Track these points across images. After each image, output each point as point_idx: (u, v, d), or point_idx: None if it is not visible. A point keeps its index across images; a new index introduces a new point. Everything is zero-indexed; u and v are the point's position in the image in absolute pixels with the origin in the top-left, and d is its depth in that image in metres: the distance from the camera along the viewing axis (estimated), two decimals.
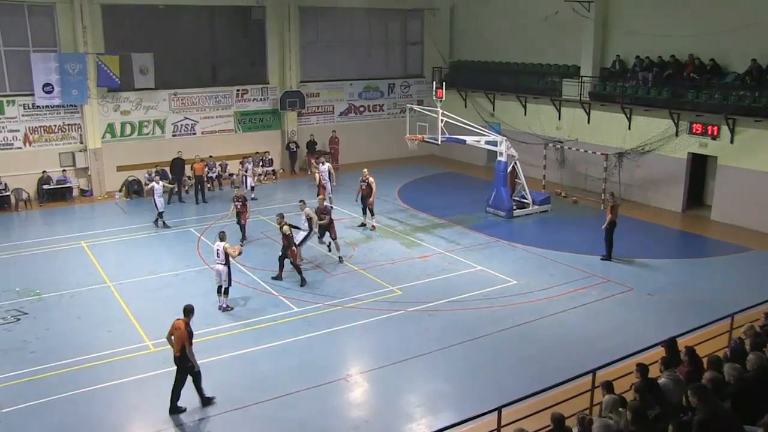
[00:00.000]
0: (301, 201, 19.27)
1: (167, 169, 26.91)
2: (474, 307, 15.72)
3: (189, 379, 11.64)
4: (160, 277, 17.71)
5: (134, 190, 27.10)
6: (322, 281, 17.35)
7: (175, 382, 11.59)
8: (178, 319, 11.58)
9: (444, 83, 23.18)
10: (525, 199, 24.03)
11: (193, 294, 16.46)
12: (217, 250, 15.31)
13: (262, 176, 29.31)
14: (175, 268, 18.41)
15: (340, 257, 18.71)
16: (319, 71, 32.62)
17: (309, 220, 18.41)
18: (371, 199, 21.60)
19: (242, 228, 20.66)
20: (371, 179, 21.72)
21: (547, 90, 28.44)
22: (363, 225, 21.89)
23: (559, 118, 28.36)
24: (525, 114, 30.03)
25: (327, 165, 23.58)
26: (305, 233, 18.42)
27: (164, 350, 13.57)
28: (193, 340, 11.65)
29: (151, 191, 22.18)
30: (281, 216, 17.15)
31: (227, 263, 15.28)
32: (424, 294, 16.42)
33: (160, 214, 22.22)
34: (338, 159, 32.18)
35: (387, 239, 20.98)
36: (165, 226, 22.20)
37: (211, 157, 28.28)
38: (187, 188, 27.28)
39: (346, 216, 23.47)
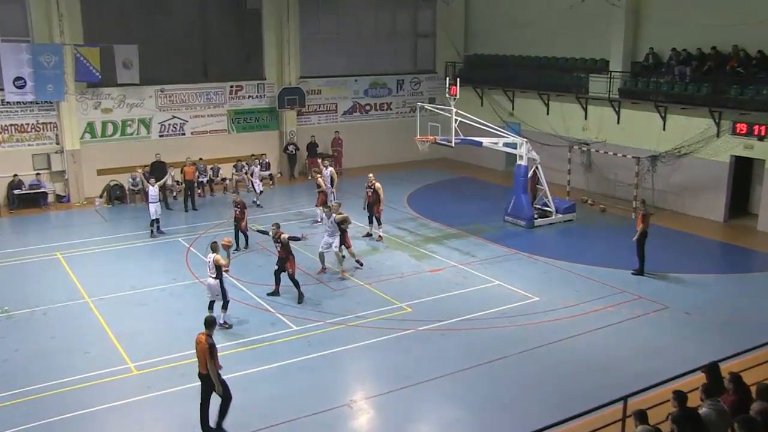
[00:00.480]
0: (334, 203, 19.57)
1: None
2: (491, 326, 15.66)
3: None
4: (145, 292, 17.69)
5: (116, 195, 27.17)
6: (324, 297, 17.31)
7: (201, 401, 11.61)
8: (200, 333, 11.58)
9: (458, 79, 23.23)
10: (547, 207, 23.97)
11: (182, 311, 16.44)
12: (209, 262, 15.29)
13: (250, 184, 29.37)
14: (162, 282, 18.39)
15: (357, 261, 19.08)
16: (321, 66, 32.70)
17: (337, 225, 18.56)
18: (379, 207, 21.56)
19: (244, 235, 20.94)
20: (378, 185, 21.71)
21: (572, 87, 28.42)
22: (369, 235, 21.85)
23: (586, 118, 28.33)
24: (548, 113, 29.98)
25: (330, 169, 23.59)
26: (331, 241, 18.46)
27: (149, 373, 13.53)
28: (192, 360, 11.61)
29: (145, 196, 22.21)
30: (277, 225, 17.12)
31: (219, 277, 15.25)
32: (435, 311, 16.38)
33: (154, 222, 22.22)
34: (342, 162, 32.22)
35: (395, 251, 20.94)
36: (160, 232, 22.32)
37: (201, 159, 28.36)
38: (175, 194, 27.33)
39: (357, 226, 23.37)
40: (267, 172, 29.76)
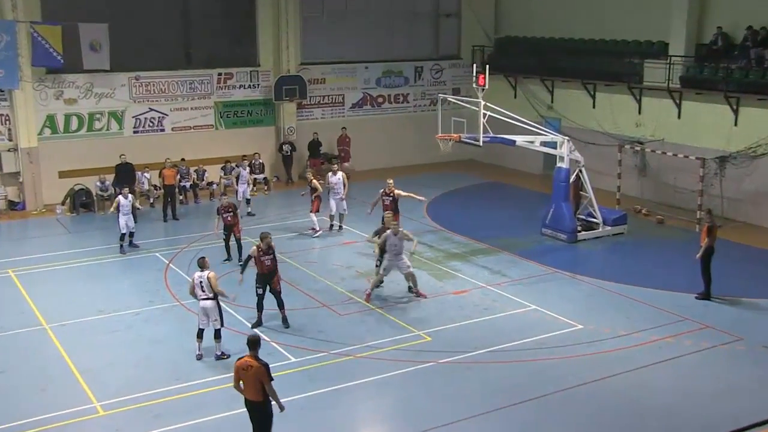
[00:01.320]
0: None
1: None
2: (525, 359, 15.54)
3: None
4: (115, 317, 17.68)
5: (82, 202, 27.26)
6: (328, 323, 17.26)
7: None
8: (243, 357, 11.53)
9: (487, 67, 23.16)
10: (593, 217, 23.87)
11: (160, 339, 16.43)
12: (200, 282, 15.25)
13: (252, 187, 29.38)
14: (135, 304, 18.40)
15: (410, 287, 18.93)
16: (326, 51, 32.81)
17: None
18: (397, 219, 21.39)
19: (238, 243, 21.03)
20: (400, 192, 21.59)
21: (623, 75, 28.35)
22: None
23: (640, 112, 28.22)
24: (593, 106, 29.89)
25: (340, 174, 23.53)
26: (398, 263, 18.34)
27: (118, 414, 13.46)
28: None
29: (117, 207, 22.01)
30: (268, 235, 17.08)
31: (215, 297, 15.25)
32: (460, 341, 16.29)
33: (124, 237, 22.21)
34: (349, 164, 32.22)
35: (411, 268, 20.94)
36: (133, 246, 22.37)
37: (183, 160, 28.42)
38: (152, 200, 27.38)
39: (359, 237, 23.38)
40: (261, 176, 29.80)
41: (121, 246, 22.28)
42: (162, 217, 25.79)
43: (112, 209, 22.38)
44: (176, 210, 26.20)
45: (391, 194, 21.55)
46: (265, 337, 16.38)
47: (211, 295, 15.21)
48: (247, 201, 26.22)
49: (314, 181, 23.75)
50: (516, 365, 15.31)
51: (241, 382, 11.57)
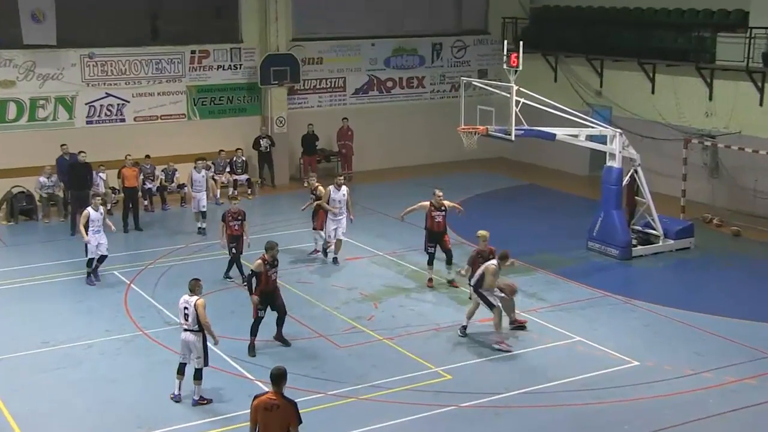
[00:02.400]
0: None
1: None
2: (567, 402, 15.49)
3: None
4: (62, 351, 17.61)
5: (21, 208, 27.30)
6: (325, 356, 17.24)
7: None
8: (264, 395, 11.29)
9: (521, 43, 23.07)
10: (651, 228, 23.82)
11: (118, 378, 16.38)
12: (185, 308, 15.21)
13: (232, 190, 29.43)
14: (88, 335, 18.35)
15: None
16: (323, 24, 32.96)
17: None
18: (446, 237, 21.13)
19: (237, 261, 21.10)
20: (450, 204, 21.32)
21: (690, 52, 28.36)
22: (432, 282, 21.32)
23: (711, 98, 28.20)
24: (653, 92, 29.87)
25: (344, 190, 22.72)
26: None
27: None
28: None
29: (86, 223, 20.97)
30: (274, 246, 17.27)
31: (201, 329, 15.18)
32: (486, 380, 16.27)
33: (92, 263, 21.26)
34: (351, 163, 32.25)
35: (427, 291, 20.94)
36: (95, 278, 21.38)
37: (148, 158, 28.47)
38: (110, 206, 27.41)
39: (364, 252, 23.30)
40: (243, 177, 29.79)
41: (89, 275, 21.33)
42: (122, 227, 25.77)
43: (80, 226, 21.09)
44: (138, 218, 26.20)
45: (443, 208, 21.07)
46: (248, 374, 16.36)
47: (195, 327, 15.12)
48: (203, 214, 25.51)
49: (320, 187, 23.09)
50: (556, 410, 15.25)
51: (257, 427, 11.34)
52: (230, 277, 21.42)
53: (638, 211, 24.04)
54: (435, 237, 21.05)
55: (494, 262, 17.83)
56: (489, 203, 29.10)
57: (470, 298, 19.27)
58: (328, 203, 22.48)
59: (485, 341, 17.95)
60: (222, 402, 15.44)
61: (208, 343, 15.22)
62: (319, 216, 23.02)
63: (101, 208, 21.46)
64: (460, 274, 19.89)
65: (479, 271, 17.84)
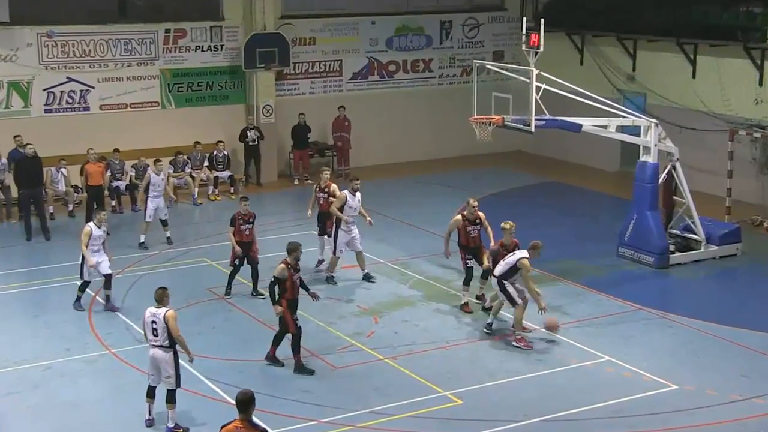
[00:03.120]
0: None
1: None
2: (596, 431, 15.57)
3: None
4: (16, 373, 17.53)
5: None
6: (318, 379, 17.18)
7: None
8: (231, 423, 11.35)
9: (542, 21, 23.02)
10: (692, 232, 23.80)
11: (79, 402, 16.32)
12: (152, 321, 15.18)
13: (212, 188, 29.43)
14: (46, 354, 18.28)
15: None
16: (315, 0, 32.97)
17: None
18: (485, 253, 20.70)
19: (254, 271, 21.01)
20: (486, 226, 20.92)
21: (737, 30, 28.29)
22: (476, 302, 20.91)
23: (761, 83, 28.15)
24: (693, 76, 29.83)
25: (358, 197, 22.10)
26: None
27: None
28: None
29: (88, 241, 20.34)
30: (298, 247, 17.31)
31: (172, 345, 15.17)
32: (503, 405, 16.24)
33: (85, 288, 20.76)
34: (348, 158, 32.33)
35: (435, 304, 20.89)
36: (110, 307, 20.66)
37: (117, 152, 28.49)
38: (72, 207, 27.39)
39: (370, 261, 23.23)
40: (225, 173, 29.78)
41: (78, 300, 20.68)
42: None
43: (83, 245, 20.28)
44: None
45: (478, 221, 20.67)
46: (229, 399, 16.28)
47: (165, 343, 15.10)
48: (163, 222, 25.07)
49: (334, 186, 22.65)
50: None
51: None
52: (228, 292, 21.19)
53: (676, 213, 23.99)
54: (471, 252, 20.73)
55: (525, 254, 18.44)
56: (504, 204, 28.97)
57: (484, 309, 19.43)
58: (341, 210, 21.75)
59: (497, 362, 17.93)
60: (199, 429, 15.39)
61: (182, 362, 15.18)
62: (328, 220, 22.57)
63: (104, 225, 20.71)
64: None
65: (509, 260, 18.57)
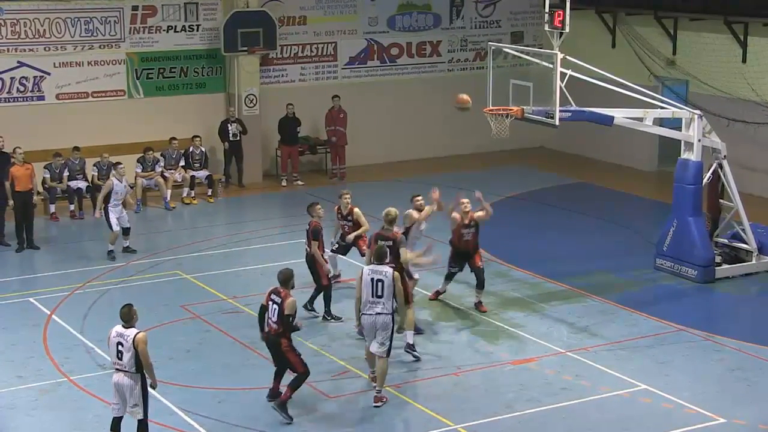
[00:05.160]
0: None
1: None
2: None
3: None
4: None
5: None
6: (311, 409, 17.17)
7: None
8: None
9: None
10: (741, 241, 23.79)
11: None
12: (119, 343, 15.15)
13: (187, 190, 29.41)
14: None
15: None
16: None
17: None
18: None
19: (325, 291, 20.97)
20: (481, 214, 21.19)
21: None
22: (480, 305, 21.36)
23: None
24: (743, 60, 29.86)
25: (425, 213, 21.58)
26: None
27: None
28: None
29: None
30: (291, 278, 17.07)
31: (140, 370, 15.12)
32: None
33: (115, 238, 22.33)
34: (344, 155, 32.46)
35: (443, 323, 20.96)
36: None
37: (77, 150, 28.58)
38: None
39: (356, 272, 23.24)
40: (202, 173, 29.79)
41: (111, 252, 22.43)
42: (16, 245, 25.65)
43: (100, 197, 22.85)
44: (33, 231, 25.76)
45: (473, 223, 21.13)
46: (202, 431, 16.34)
47: (131, 368, 15.06)
48: (125, 231, 25.17)
49: (356, 209, 22.46)
50: None
51: None
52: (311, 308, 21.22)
53: (723, 219, 23.99)
54: (462, 256, 21.22)
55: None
56: (525, 208, 29.11)
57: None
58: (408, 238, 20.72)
59: (515, 391, 17.86)
60: None
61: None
62: (358, 243, 22.49)
63: (125, 179, 22.76)
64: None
65: None
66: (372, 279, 17.24)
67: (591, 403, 17.43)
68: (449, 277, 21.73)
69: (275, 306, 16.42)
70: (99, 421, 16.19)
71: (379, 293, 17.14)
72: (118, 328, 14.99)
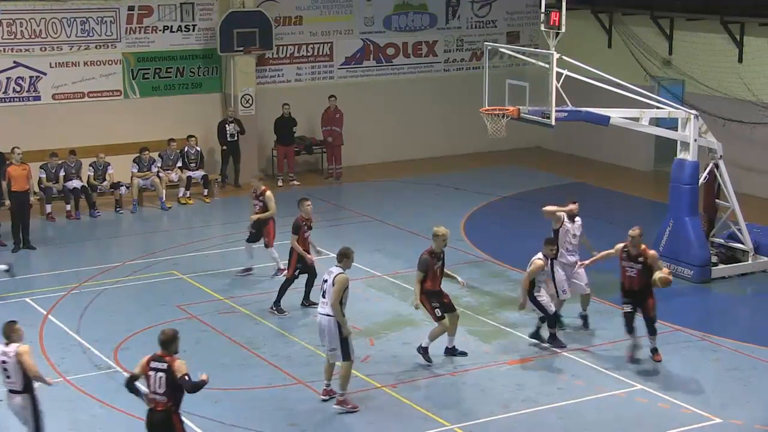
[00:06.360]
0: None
1: None
2: None
3: None
4: None
5: None
6: (305, 410, 17.14)
7: None
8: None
9: None
10: (738, 241, 23.82)
11: None
12: (2, 361, 14.96)
13: (183, 190, 29.45)
14: None
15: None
16: None
17: None
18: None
19: (311, 276, 21.22)
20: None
21: None
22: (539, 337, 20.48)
23: None
24: (740, 59, 29.85)
25: (579, 221, 21.08)
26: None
27: None
28: None
29: None
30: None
31: (29, 390, 15.02)
32: None
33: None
34: (340, 156, 32.44)
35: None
36: None
37: (73, 154, 28.57)
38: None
39: (357, 272, 23.16)
40: (198, 173, 29.78)
41: None
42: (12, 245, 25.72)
43: None
44: (29, 231, 25.81)
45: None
46: None
47: (20, 386, 14.77)
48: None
49: (269, 192, 22.99)
50: None
51: None
52: (308, 304, 21.39)
53: (719, 219, 24.00)
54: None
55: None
56: (521, 208, 29.07)
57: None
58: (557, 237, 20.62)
59: (511, 391, 17.85)
60: None
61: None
62: (269, 228, 23.06)
63: None
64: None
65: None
66: (324, 279, 16.98)
67: (587, 403, 17.43)
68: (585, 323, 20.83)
69: (161, 374, 13.63)
70: (95, 422, 16.25)
71: (323, 295, 16.80)
72: (4, 345, 14.51)
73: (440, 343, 18.85)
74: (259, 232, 23.11)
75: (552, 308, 19.09)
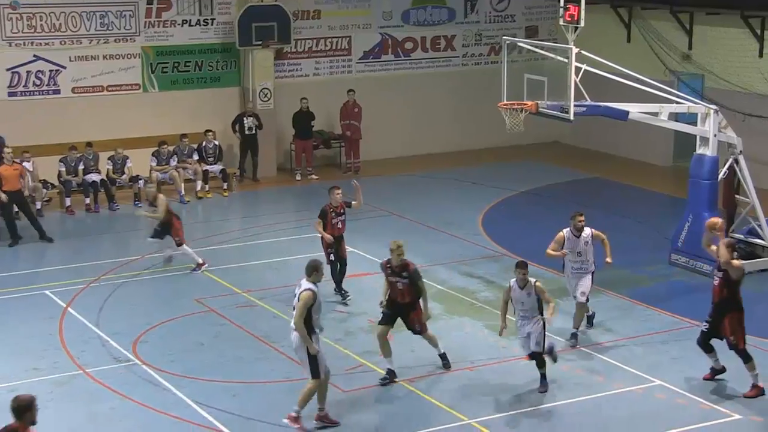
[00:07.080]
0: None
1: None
2: None
3: None
4: None
5: None
6: (327, 400, 16.82)
7: None
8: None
9: None
10: (758, 237, 23.79)
11: (50, 428, 16.32)
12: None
13: (201, 184, 29.53)
14: (10, 374, 18.24)
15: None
16: None
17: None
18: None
19: (342, 269, 21.58)
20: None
21: None
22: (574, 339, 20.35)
23: None
24: (760, 54, 29.75)
25: (588, 232, 20.20)
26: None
27: None
28: None
29: None
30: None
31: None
32: None
33: None
34: (359, 150, 32.48)
35: (457, 317, 20.92)
36: None
37: (90, 146, 28.63)
38: (39, 206, 27.29)
39: (374, 267, 23.19)
40: (216, 167, 29.85)
41: None
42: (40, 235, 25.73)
43: None
44: (39, 223, 25.86)
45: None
46: (220, 426, 16.31)
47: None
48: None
49: (161, 197, 23.62)
50: None
51: None
52: (343, 293, 21.62)
53: (739, 214, 24.01)
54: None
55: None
56: (539, 203, 29.07)
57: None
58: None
59: (529, 386, 17.78)
60: None
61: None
62: (174, 227, 23.35)
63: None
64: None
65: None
66: (294, 293, 16.23)
67: (604, 398, 17.39)
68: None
69: None
70: (114, 414, 16.28)
71: (294, 308, 15.98)
72: None
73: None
74: (165, 232, 23.40)
75: (547, 346, 17.93)
